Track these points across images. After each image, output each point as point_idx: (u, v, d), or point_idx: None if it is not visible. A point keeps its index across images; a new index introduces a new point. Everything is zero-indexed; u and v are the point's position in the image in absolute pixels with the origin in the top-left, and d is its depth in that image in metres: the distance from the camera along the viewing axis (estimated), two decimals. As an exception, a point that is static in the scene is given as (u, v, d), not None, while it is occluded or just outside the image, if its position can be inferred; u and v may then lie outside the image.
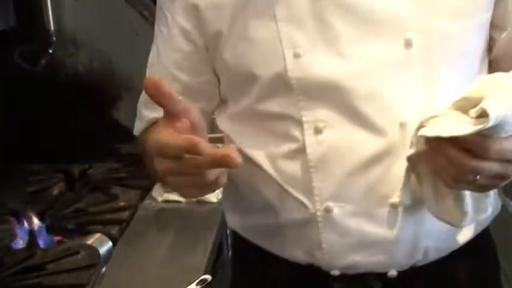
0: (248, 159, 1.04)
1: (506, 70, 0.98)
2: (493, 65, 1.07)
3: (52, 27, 1.66)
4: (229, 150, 0.78)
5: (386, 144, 0.96)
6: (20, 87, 1.70)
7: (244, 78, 1.01)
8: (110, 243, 1.23)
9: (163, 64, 1.08)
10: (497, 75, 0.85)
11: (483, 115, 0.77)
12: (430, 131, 0.83)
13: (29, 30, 1.67)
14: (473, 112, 0.79)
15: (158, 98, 0.77)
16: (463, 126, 0.79)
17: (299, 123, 0.99)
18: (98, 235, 1.26)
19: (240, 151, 1.04)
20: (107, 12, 1.72)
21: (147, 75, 1.08)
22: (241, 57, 1.01)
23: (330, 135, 0.98)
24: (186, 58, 1.06)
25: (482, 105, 0.77)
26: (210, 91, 1.08)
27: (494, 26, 1.03)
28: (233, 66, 1.02)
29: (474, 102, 0.81)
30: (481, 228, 1.03)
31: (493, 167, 0.82)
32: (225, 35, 1.00)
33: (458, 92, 0.93)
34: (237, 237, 1.16)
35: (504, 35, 1.03)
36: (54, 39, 1.67)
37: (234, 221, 1.16)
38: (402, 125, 0.95)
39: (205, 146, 0.75)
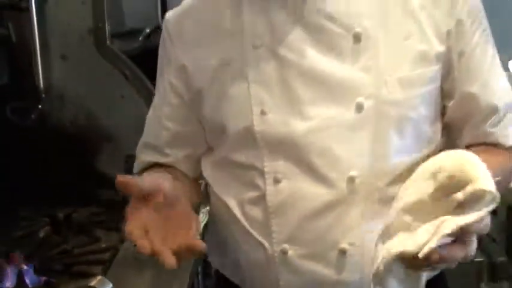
0: (223, 204, 1.13)
1: (458, 134, 1.14)
2: (449, 128, 1.16)
3: (42, 85, 1.73)
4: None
5: (336, 196, 1.04)
6: (10, 139, 1.75)
7: (218, 130, 1.12)
8: (111, 285, 1.29)
9: (157, 115, 1.21)
10: (463, 153, 0.89)
11: (476, 197, 0.78)
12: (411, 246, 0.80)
13: (20, 88, 1.74)
14: (460, 195, 0.80)
15: (128, 191, 0.90)
16: (451, 222, 0.78)
17: (262, 173, 1.08)
18: (99, 277, 1.31)
19: (217, 196, 1.16)
20: (92, 72, 1.80)
21: (146, 124, 1.25)
22: (217, 111, 1.12)
23: (287, 186, 1.07)
24: (175, 110, 1.18)
25: (483, 187, 0.78)
26: (196, 139, 1.18)
27: (444, 95, 1.12)
28: (210, 119, 1.13)
29: (455, 181, 0.82)
30: (435, 273, 1.06)
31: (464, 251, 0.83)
32: (205, 91, 1.12)
33: (404, 152, 1.07)
34: (219, 276, 1.24)
35: (451, 103, 1.12)
36: (43, 95, 1.74)
37: (215, 260, 1.24)
38: (350, 179, 1.04)
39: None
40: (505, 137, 1.12)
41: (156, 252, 0.86)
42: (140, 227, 0.89)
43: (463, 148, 1.10)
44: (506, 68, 2.16)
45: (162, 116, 1.21)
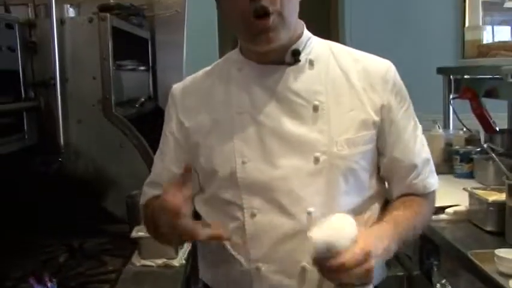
0: None
1: (390, 185, 1.29)
2: (385, 179, 1.30)
3: (62, 143, 1.93)
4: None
5: (298, 226, 1.17)
6: (37, 184, 1.92)
7: (210, 174, 1.25)
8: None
9: (161, 160, 1.34)
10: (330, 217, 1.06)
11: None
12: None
13: (46, 145, 1.91)
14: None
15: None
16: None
17: (241, 208, 1.21)
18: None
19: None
20: (100, 132, 1.98)
21: (153, 166, 1.37)
22: (209, 160, 1.25)
23: (261, 218, 1.20)
24: (175, 157, 1.31)
25: (308, 233, 1.01)
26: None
27: (378, 153, 1.27)
28: (205, 166, 1.26)
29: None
30: None
31: (353, 273, 1.00)
32: (201, 145, 1.26)
33: (349, 194, 1.20)
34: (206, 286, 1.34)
35: (382, 161, 1.28)
36: (63, 151, 1.93)
37: (205, 274, 1.35)
38: (309, 213, 1.18)
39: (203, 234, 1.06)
40: (423, 187, 1.27)
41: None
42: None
43: (396, 196, 1.28)
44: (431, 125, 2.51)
45: (165, 161, 1.33)
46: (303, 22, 1.29)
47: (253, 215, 1.20)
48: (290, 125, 1.20)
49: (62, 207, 1.92)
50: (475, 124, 2.76)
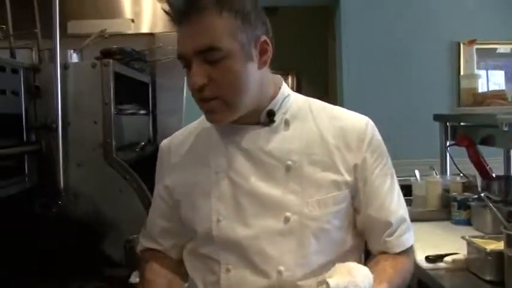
0: (194, 284, 1.31)
1: (367, 241, 1.30)
2: (363, 234, 1.30)
3: (62, 186, 1.92)
4: None
5: (269, 283, 1.21)
6: (37, 226, 1.91)
7: (190, 230, 1.29)
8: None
9: (152, 214, 1.41)
10: (347, 264, 1.09)
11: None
12: None
13: (46, 187, 1.91)
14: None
15: None
16: None
17: (218, 264, 1.24)
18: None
19: (191, 278, 1.32)
20: (100, 176, 1.97)
21: (147, 221, 1.41)
22: (189, 217, 1.29)
23: (235, 274, 1.23)
24: (162, 211, 1.38)
25: (327, 279, 1.04)
26: (180, 232, 1.35)
27: (355, 210, 1.28)
28: (185, 222, 1.31)
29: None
30: None
31: None
32: (182, 203, 1.31)
33: (320, 253, 1.20)
34: None
35: (358, 218, 1.29)
36: (63, 194, 1.91)
37: None
38: (279, 272, 1.20)
39: None
40: (396, 246, 1.27)
41: None
42: None
43: (374, 254, 1.29)
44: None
45: (155, 215, 1.40)
46: (280, 78, 1.31)
47: (228, 271, 1.23)
48: (263, 186, 1.21)
49: (60, 249, 1.93)
50: (471, 169, 2.78)
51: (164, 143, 1.41)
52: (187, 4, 1.15)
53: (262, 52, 1.22)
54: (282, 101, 1.28)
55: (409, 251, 1.31)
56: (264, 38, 1.21)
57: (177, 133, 1.41)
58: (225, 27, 1.16)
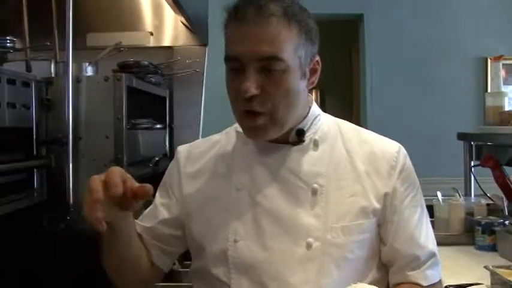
0: None
1: (390, 272, 1.26)
2: (387, 266, 1.27)
3: (71, 201, 1.84)
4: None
5: None
6: (45, 242, 1.89)
7: (198, 247, 1.27)
8: None
9: (149, 212, 1.37)
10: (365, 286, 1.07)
11: None
12: None
13: (55, 203, 1.87)
14: None
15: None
16: None
17: (229, 286, 1.22)
18: None
19: None
20: None
21: (139, 218, 1.36)
22: (200, 233, 1.26)
23: None
24: (163, 216, 1.33)
25: None
26: (169, 240, 1.33)
27: (381, 240, 1.25)
28: (195, 236, 1.27)
29: None
30: None
31: None
32: (194, 215, 1.27)
33: (341, 283, 1.15)
34: None
35: (383, 249, 1.26)
36: (72, 209, 1.84)
37: None
38: None
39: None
40: (422, 279, 1.23)
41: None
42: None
43: (393, 284, 1.26)
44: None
45: (151, 215, 1.36)
46: (310, 97, 1.28)
47: None
48: (286, 207, 1.19)
49: (68, 264, 1.92)
50: (497, 188, 2.69)
51: (183, 148, 1.37)
52: (256, 4, 1.11)
53: (313, 72, 1.21)
54: (313, 121, 1.26)
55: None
56: (317, 57, 1.20)
57: (197, 142, 1.38)
58: (291, 39, 1.14)
